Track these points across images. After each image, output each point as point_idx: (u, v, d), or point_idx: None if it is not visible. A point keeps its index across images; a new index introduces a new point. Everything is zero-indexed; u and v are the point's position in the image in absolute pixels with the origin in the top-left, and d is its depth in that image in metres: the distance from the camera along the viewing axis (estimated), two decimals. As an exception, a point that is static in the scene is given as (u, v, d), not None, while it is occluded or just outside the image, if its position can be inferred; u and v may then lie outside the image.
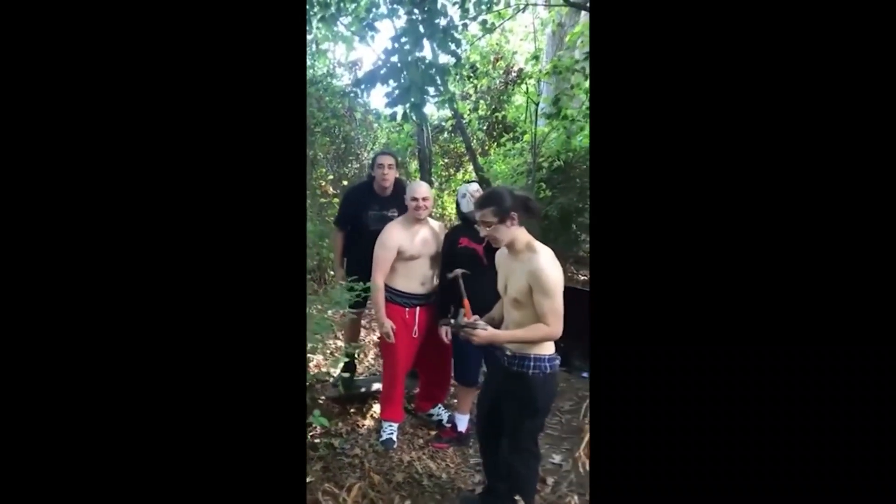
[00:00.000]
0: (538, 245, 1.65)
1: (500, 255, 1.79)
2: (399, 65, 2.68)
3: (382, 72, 2.71)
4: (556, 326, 1.56)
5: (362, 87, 2.83)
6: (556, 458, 2.40)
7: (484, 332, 1.66)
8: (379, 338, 2.55)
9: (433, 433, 2.58)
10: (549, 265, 1.57)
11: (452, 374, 2.58)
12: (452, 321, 1.83)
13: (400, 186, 2.65)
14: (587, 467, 1.30)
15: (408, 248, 2.28)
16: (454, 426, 2.51)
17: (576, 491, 2.09)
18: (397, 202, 2.57)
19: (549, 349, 1.67)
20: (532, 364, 1.63)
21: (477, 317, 1.83)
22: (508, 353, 1.68)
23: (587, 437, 1.25)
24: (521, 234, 1.65)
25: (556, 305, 1.55)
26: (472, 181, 2.34)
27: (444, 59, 3.45)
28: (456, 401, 2.58)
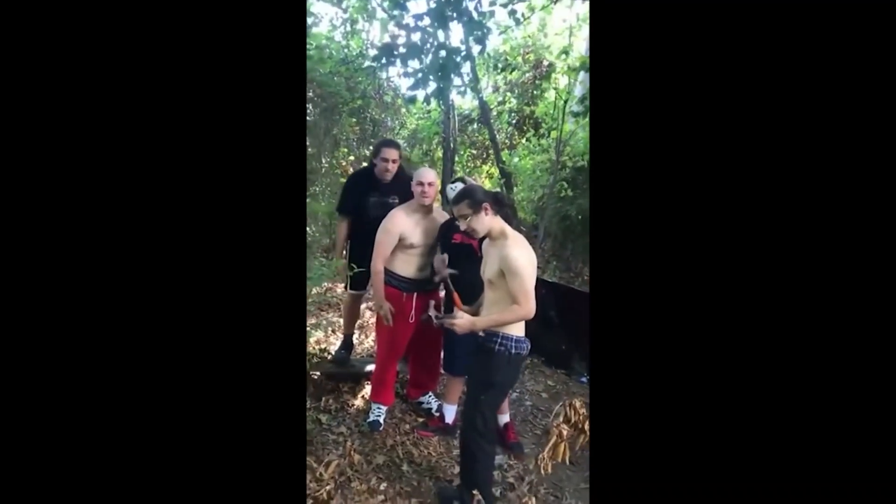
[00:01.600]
0: (511, 232, 1.81)
1: (485, 244, 1.93)
2: (420, 44, 2.64)
3: (403, 50, 2.68)
4: (527, 306, 1.69)
5: (382, 61, 2.80)
6: (540, 459, 2.37)
7: (462, 320, 1.77)
8: (376, 321, 2.56)
9: (421, 420, 2.58)
10: (517, 249, 1.72)
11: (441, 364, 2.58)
12: (432, 314, 1.92)
13: (401, 173, 2.63)
14: (549, 469, 1.28)
15: (409, 236, 2.27)
16: (442, 416, 2.50)
17: (534, 492, 2.07)
18: (398, 189, 2.55)
19: (517, 330, 1.79)
20: (499, 341, 1.77)
21: (466, 308, 1.94)
22: (483, 332, 1.81)
23: (553, 440, 1.23)
24: (496, 223, 1.80)
25: (525, 286, 1.68)
26: (458, 179, 2.30)
27: (472, 47, 3.40)
28: (447, 390, 2.57)
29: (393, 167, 2.55)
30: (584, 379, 3.31)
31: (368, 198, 2.59)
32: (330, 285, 4.07)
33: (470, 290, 2.04)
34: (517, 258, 1.69)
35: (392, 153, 2.55)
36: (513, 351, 1.77)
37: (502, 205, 1.83)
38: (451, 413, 2.48)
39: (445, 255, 2.17)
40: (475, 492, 1.41)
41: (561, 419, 1.27)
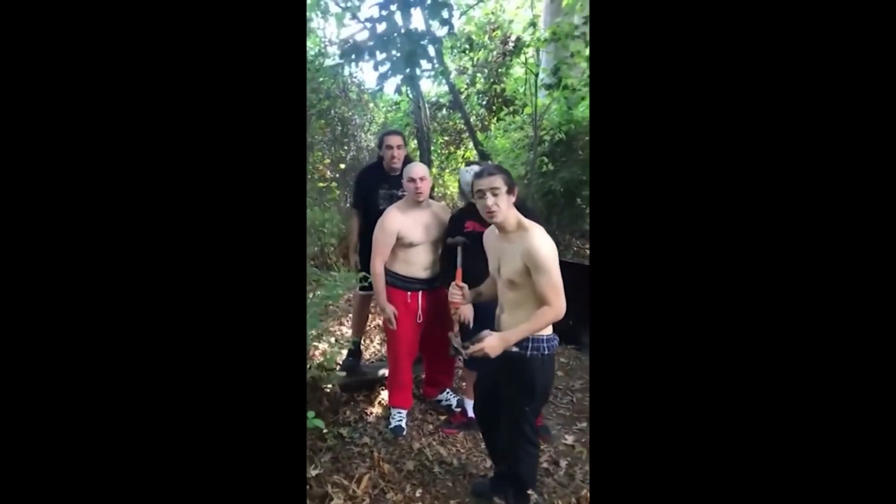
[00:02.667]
0: (528, 223, 1.62)
1: (490, 237, 1.75)
2: (386, 37, 2.53)
3: (370, 43, 2.57)
4: (559, 303, 1.53)
5: (351, 58, 2.69)
6: (569, 439, 2.35)
7: (492, 341, 1.57)
8: (383, 322, 2.49)
9: (443, 418, 2.54)
10: (542, 242, 1.54)
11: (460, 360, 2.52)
12: (457, 345, 1.74)
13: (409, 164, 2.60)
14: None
15: (407, 234, 2.21)
16: (464, 411, 2.45)
17: (586, 481, 2.03)
18: None
19: (547, 329, 1.62)
20: (530, 346, 1.59)
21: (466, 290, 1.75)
22: None
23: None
24: (513, 213, 1.62)
25: (554, 281, 1.52)
26: (474, 163, 2.21)
27: (436, 31, 3.30)
28: (465, 384, 2.52)
29: (399, 154, 2.51)
30: (595, 351, 3.31)
31: (378, 191, 2.55)
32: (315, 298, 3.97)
33: (474, 281, 1.96)
34: (542, 250, 1.51)
35: (395, 140, 2.52)
36: (546, 353, 1.61)
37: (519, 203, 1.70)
38: (472, 407, 2.43)
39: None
40: (530, 491, 1.36)
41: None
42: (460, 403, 2.51)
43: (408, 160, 2.58)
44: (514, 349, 1.60)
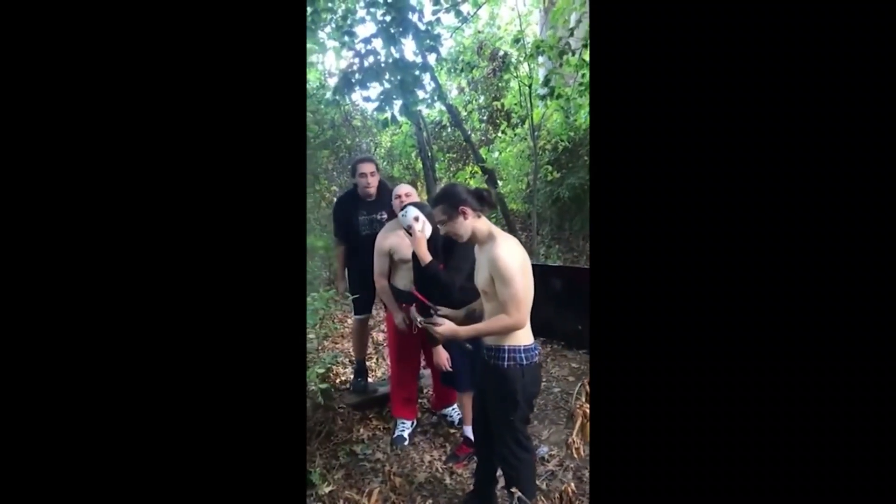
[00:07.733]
0: (498, 232, 1.62)
1: (476, 250, 1.73)
2: (375, 67, 2.66)
3: (358, 76, 2.70)
4: (517, 315, 1.50)
5: (343, 91, 2.82)
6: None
7: (443, 327, 1.62)
8: (388, 336, 2.57)
9: (452, 432, 2.56)
10: (506, 251, 1.51)
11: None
12: (415, 318, 1.77)
13: (385, 189, 2.67)
14: (583, 452, 1.26)
15: (397, 251, 2.32)
16: (467, 440, 2.36)
17: (572, 478, 2.05)
18: (385, 205, 2.60)
19: (523, 340, 1.59)
20: (507, 356, 1.57)
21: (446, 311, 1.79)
22: (486, 345, 1.64)
23: (580, 422, 1.21)
24: (480, 225, 1.62)
25: (514, 292, 1.49)
26: (412, 204, 2.15)
27: (427, 58, 3.42)
28: (465, 408, 2.40)
29: (373, 180, 2.60)
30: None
31: (357, 218, 2.63)
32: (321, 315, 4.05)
33: (461, 294, 1.94)
34: (504, 259, 1.49)
35: (367, 167, 2.60)
36: (524, 363, 1.57)
37: (484, 203, 1.64)
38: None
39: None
40: (513, 489, 1.38)
41: (583, 399, 1.26)
42: (461, 423, 2.52)
43: (383, 186, 2.66)
44: (492, 361, 1.60)
